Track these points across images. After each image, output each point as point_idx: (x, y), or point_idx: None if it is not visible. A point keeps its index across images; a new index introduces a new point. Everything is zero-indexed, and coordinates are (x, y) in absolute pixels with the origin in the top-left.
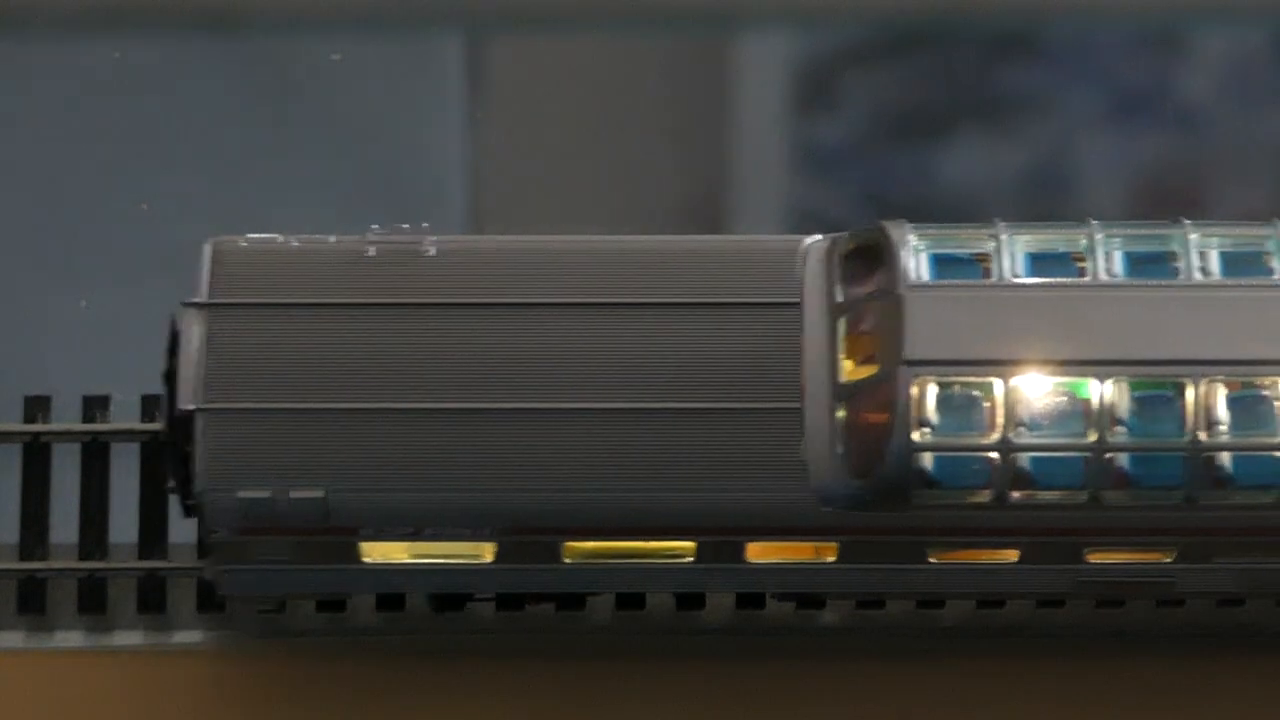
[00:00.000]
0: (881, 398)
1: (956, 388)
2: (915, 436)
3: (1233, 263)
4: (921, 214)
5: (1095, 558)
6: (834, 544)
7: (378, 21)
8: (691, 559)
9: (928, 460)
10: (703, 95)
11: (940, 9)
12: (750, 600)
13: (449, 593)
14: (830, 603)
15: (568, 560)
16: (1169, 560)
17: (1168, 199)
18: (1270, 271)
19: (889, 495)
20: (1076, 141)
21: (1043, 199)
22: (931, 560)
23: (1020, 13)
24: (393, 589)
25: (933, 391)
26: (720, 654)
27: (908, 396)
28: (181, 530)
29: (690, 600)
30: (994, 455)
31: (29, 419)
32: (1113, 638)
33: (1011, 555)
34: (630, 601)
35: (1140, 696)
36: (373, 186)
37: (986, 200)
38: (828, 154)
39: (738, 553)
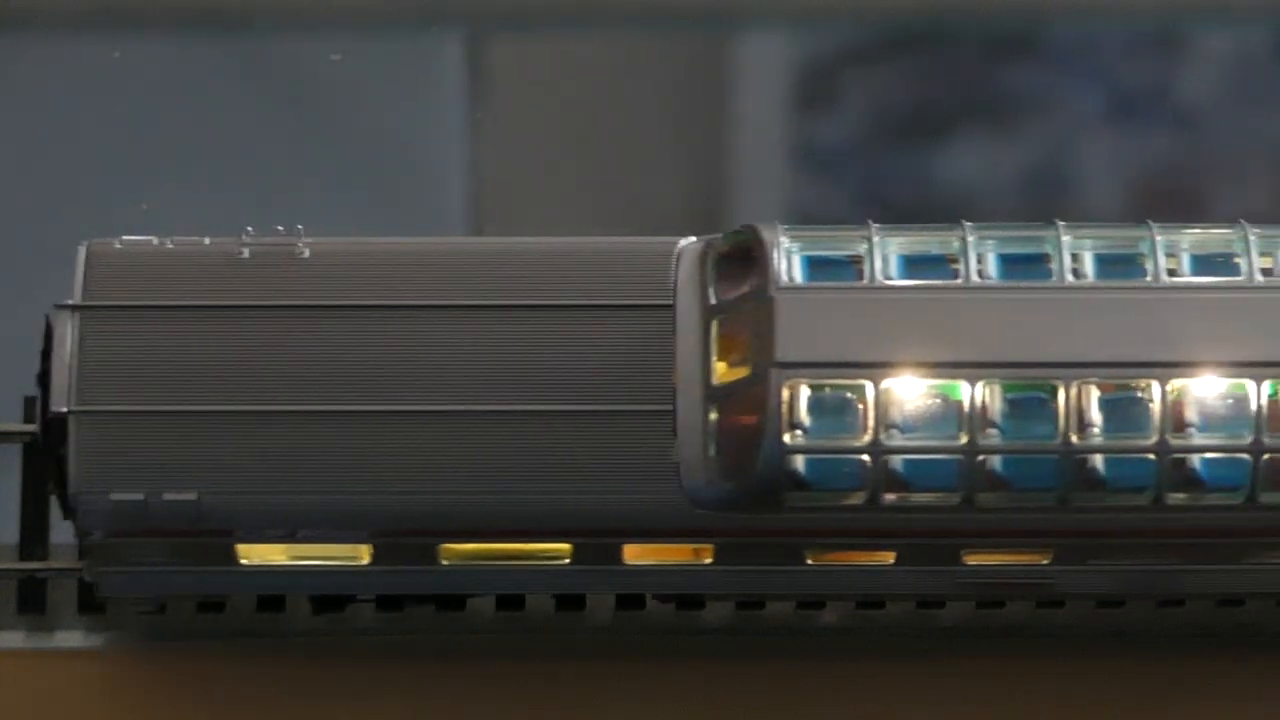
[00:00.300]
0: (753, 400)
1: (828, 390)
2: (787, 439)
3: (1107, 264)
4: (921, 214)
5: (972, 559)
6: (710, 546)
7: (378, 21)
8: (569, 561)
9: (800, 462)
10: (703, 95)
11: (940, 9)
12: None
13: (327, 594)
14: (830, 604)
15: (445, 562)
16: (1046, 562)
17: (1167, 199)
18: (1144, 273)
19: (761, 497)
20: (1076, 141)
21: (1043, 199)
22: (809, 562)
23: (1020, 13)
24: (270, 590)
25: (805, 394)
26: (720, 654)
27: (779, 399)
28: (64, 531)
29: (690, 601)
30: (865, 458)
31: None
32: (1113, 638)
33: (888, 557)
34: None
35: (1140, 696)
36: (372, 186)
37: (986, 200)
38: (828, 154)
39: (615, 555)
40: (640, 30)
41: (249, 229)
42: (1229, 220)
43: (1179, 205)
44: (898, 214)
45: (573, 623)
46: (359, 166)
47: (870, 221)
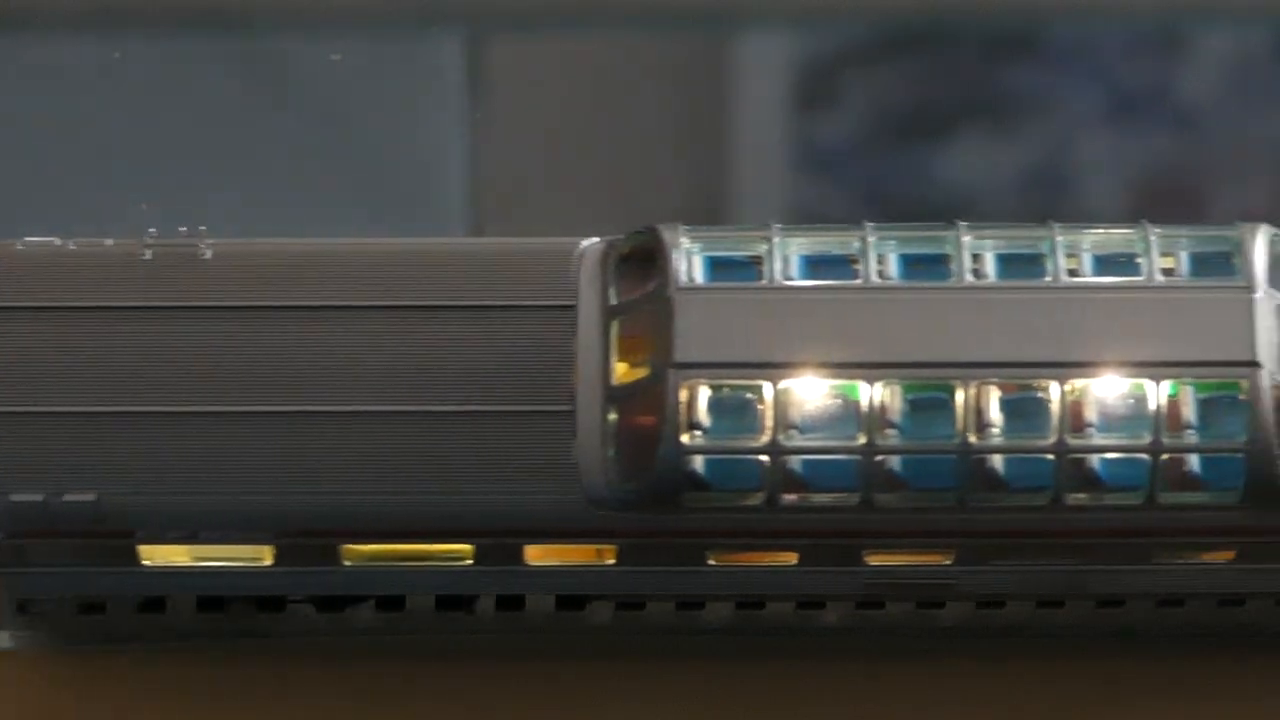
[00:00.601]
0: (652, 400)
1: (726, 390)
2: (685, 439)
3: (1008, 265)
4: (921, 213)
5: (875, 559)
6: (613, 546)
7: (378, 21)
8: (471, 562)
9: (698, 463)
10: (703, 95)
11: (940, 9)
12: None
13: (232, 595)
14: (830, 603)
15: (347, 563)
16: (949, 562)
17: (1167, 199)
18: (1045, 273)
19: (660, 498)
20: (1076, 141)
21: (1042, 199)
22: (711, 562)
23: (1020, 13)
24: (172, 591)
25: (704, 394)
26: (720, 654)
27: (677, 399)
28: None
29: (690, 601)
30: (764, 458)
31: None
32: (1113, 638)
33: (790, 558)
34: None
35: (1140, 696)
36: (372, 186)
37: (986, 200)
38: (828, 154)
39: (517, 555)
40: (640, 30)
41: (151, 230)
42: (1229, 220)
43: (1179, 205)
44: (898, 214)
45: (573, 623)
46: (359, 166)
47: (773, 223)
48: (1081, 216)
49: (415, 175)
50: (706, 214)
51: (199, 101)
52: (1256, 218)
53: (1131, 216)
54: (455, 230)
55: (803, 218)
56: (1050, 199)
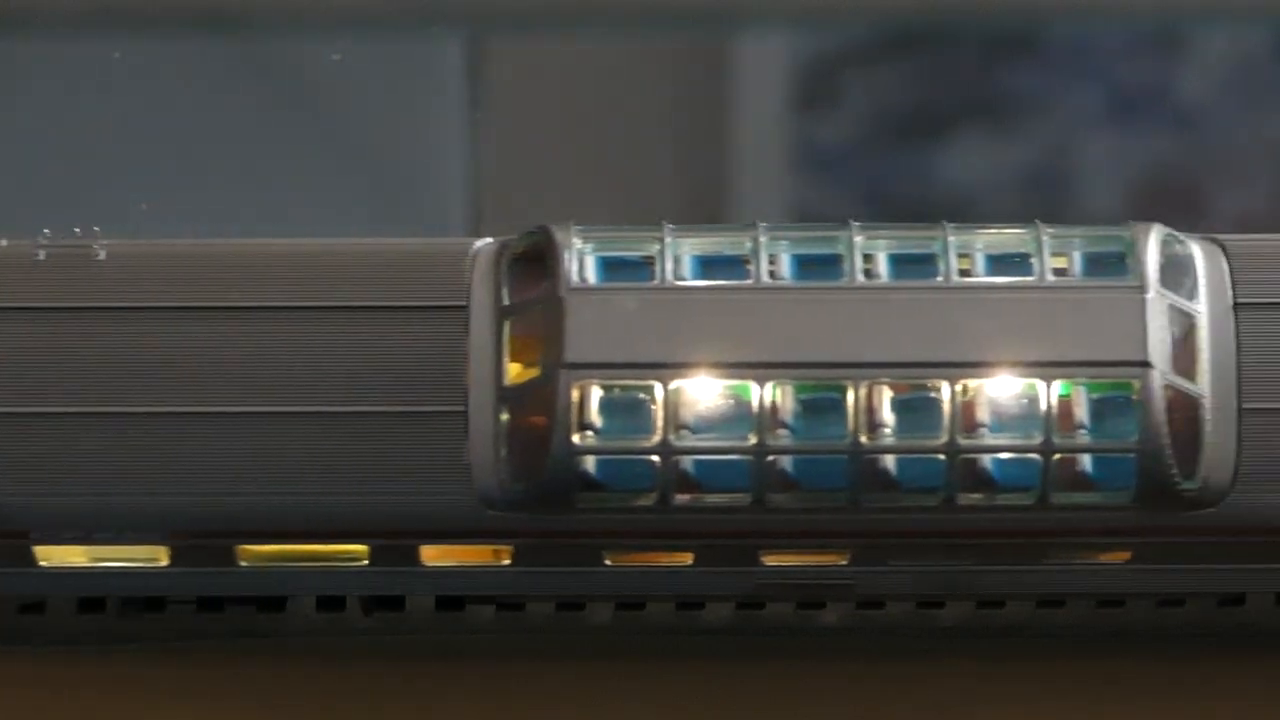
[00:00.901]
0: (543, 401)
1: (618, 390)
2: (576, 439)
3: (901, 265)
4: (921, 213)
5: (771, 560)
6: (509, 547)
7: (378, 21)
8: (368, 562)
9: (590, 463)
10: (703, 95)
11: (940, 9)
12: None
13: (133, 596)
14: (830, 603)
15: (244, 564)
16: (845, 563)
17: (1167, 199)
18: (937, 273)
19: (551, 498)
20: (1076, 141)
21: (1043, 199)
22: (608, 563)
23: (1020, 13)
24: (70, 592)
25: (595, 394)
26: (720, 654)
27: (568, 399)
28: None
29: (690, 602)
30: (655, 458)
31: None
32: (1113, 638)
33: (686, 558)
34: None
35: (1140, 696)
36: (372, 186)
37: (986, 200)
38: (828, 154)
39: (413, 556)
40: (640, 30)
41: (45, 231)
42: (1230, 220)
43: (1178, 205)
44: (898, 213)
45: (573, 623)
46: (359, 166)
47: (665, 223)
48: (1082, 217)
49: (415, 175)
50: (706, 214)
51: (198, 101)
52: (1257, 217)
53: (1130, 217)
54: (455, 230)
55: (803, 218)
56: (1050, 199)
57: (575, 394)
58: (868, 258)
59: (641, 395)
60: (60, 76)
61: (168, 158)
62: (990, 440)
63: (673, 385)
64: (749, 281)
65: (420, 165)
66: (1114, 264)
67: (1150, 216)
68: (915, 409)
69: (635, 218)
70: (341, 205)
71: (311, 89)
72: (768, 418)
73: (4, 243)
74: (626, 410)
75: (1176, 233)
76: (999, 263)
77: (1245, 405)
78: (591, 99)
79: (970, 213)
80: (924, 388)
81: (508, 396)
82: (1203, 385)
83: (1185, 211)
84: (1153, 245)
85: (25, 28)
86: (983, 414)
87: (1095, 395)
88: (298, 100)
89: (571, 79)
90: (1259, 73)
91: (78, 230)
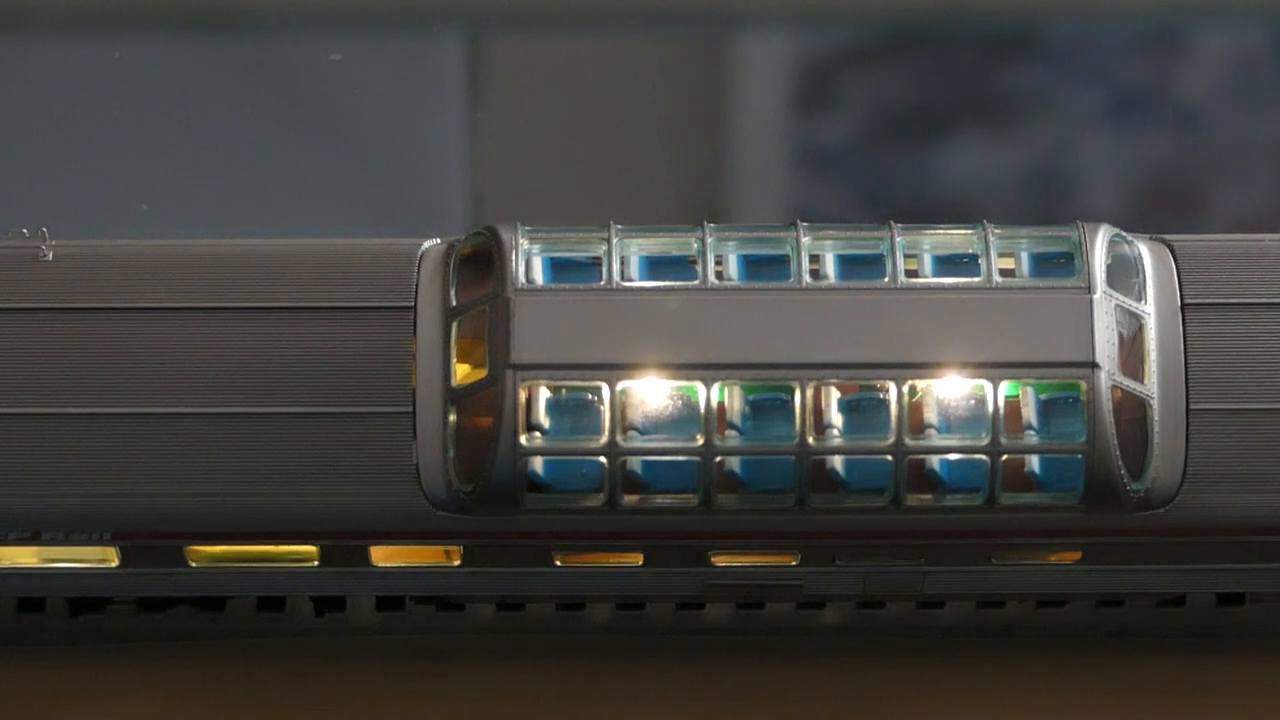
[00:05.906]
0: (490, 401)
1: (565, 391)
2: (524, 440)
3: (848, 266)
4: (922, 213)
5: (721, 561)
6: (459, 548)
7: (378, 21)
8: (318, 563)
9: (538, 464)
10: (703, 95)
11: (940, 9)
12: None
13: (82, 597)
14: (830, 603)
15: (194, 564)
16: (795, 563)
17: (1167, 198)
18: (884, 274)
19: (498, 499)
20: (1076, 141)
21: (1043, 199)
22: (558, 563)
23: (1020, 13)
24: (19, 593)
25: (543, 395)
26: (720, 654)
27: (515, 400)
28: None
29: (690, 602)
30: (603, 459)
31: None
32: (1113, 638)
33: (636, 559)
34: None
35: (1140, 696)
36: (372, 186)
37: (986, 200)
38: (827, 154)
39: (363, 557)
40: (640, 30)
41: None
42: (1231, 220)
43: (1178, 205)
44: (898, 213)
45: (573, 623)
46: (359, 166)
47: (612, 224)
48: (1082, 216)
49: (415, 175)
50: (706, 214)
51: (198, 101)
52: (1256, 218)
53: (1129, 217)
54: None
55: (802, 217)
56: (1050, 199)
57: (523, 394)
58: (814, 259)
59: (589, 396)
60: (59, 76)
61: (168, 158)
62: (938, 441)
63: (620, 386)
64: (696, 282)
65: (420, 165)
66: (1061, 264)
67: (1144, 218)
68: (863, 410)
69: (635, 218)
70: (342, 205)
71: (312, 89)
72: (715, 419)
73: None
74: (574, 411)
75: (1124, 233)
76: (946, 264)
77: (1193, 406)
78: (592, 99)
79: (969, 213)
80: (871, 389)
81: (455, 397)
82: (1151, 386)
83: (1176, 212)
84: (1100, 245)
85: (25, 28)
86: (930, 415)
87: (1043, 396)
88: (298, 101)
89: (572, 79)
90: (1259, 73)
91: (25, 231)
